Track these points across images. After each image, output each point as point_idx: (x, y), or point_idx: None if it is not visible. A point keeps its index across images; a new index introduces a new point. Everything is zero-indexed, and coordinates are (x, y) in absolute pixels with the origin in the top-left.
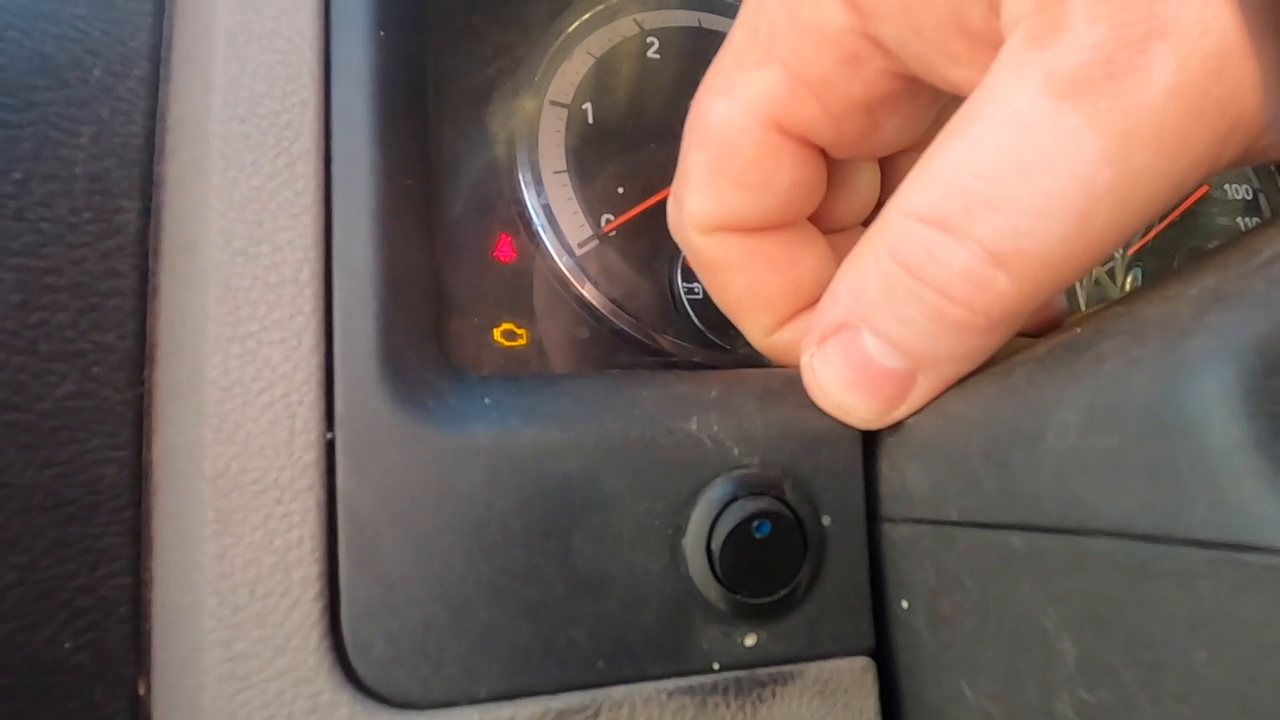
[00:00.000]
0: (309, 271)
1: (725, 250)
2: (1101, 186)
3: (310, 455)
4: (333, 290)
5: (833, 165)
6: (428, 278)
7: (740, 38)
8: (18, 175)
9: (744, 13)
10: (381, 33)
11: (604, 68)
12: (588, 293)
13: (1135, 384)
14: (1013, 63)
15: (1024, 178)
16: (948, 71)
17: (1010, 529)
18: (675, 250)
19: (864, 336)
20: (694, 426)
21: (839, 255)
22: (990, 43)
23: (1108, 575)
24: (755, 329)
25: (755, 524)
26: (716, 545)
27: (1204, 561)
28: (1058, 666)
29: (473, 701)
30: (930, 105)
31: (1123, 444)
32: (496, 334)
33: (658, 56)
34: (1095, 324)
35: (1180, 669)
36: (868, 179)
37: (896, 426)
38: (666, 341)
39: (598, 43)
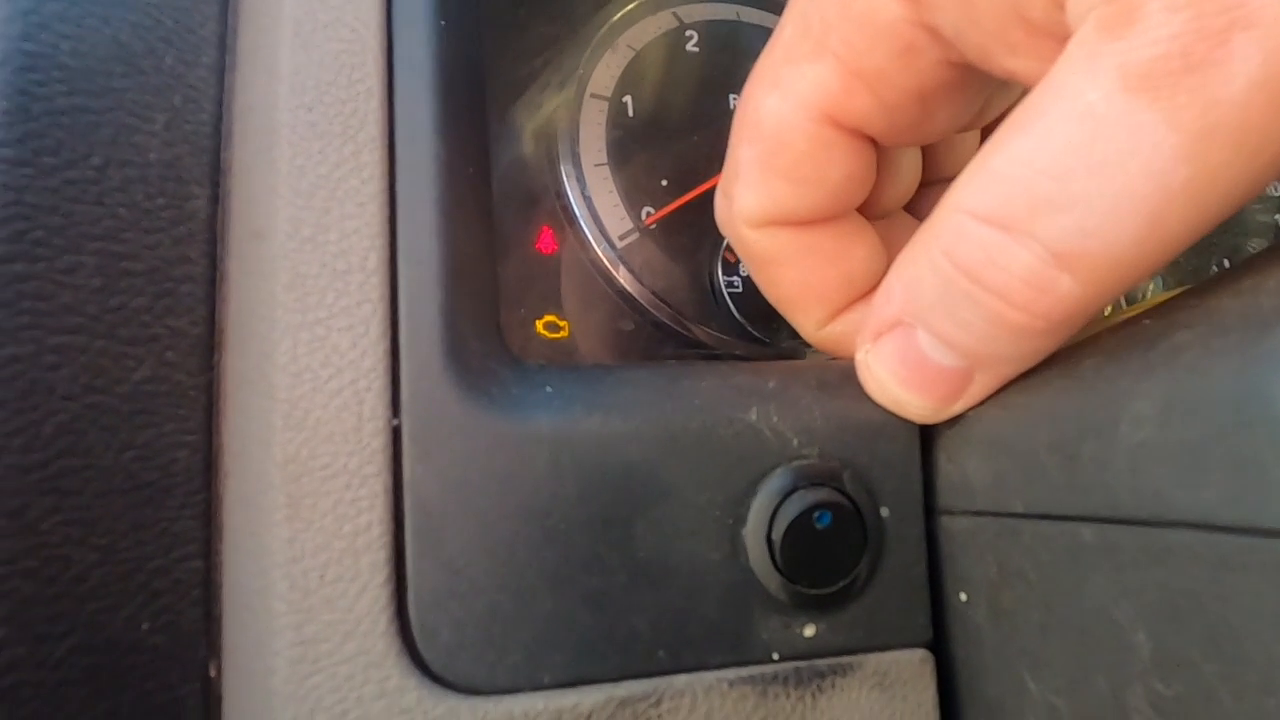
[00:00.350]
0: (375, 259)
1: (776, 244)
2: (1176, 185)
3: (377, 442)
4: (398, 278)
5: (877, 152)
6: (488, 267)
7: (791, 30)
8: (97, 161)
9: (794, 5)
10: (443, 22)
11: (643, 61)
12: (629, 285)
13: (1216, 376)
14: (1083, 55)
15: (1094, 175)
16: (1005, 61)
17: (1080, 521)
18: (716, 243)
19: (919, 334)
20: (754, 417)
21: (884, 242)
22: (1051, 34)
23: (1187, 568)
24: (808, 322)
25: (816, 515)
26: (777, 536)
27: None
28: (1131, 660)
29: (536, 688)
30: (982, 91)
31: (1204, 436)
32: (539, 326)
33: (697, 50)
34: (1165, 315)
35: (1264, 662)
36: (910, 163)
37: (955, 419)
38: (707, 334)
39: (637, 35)
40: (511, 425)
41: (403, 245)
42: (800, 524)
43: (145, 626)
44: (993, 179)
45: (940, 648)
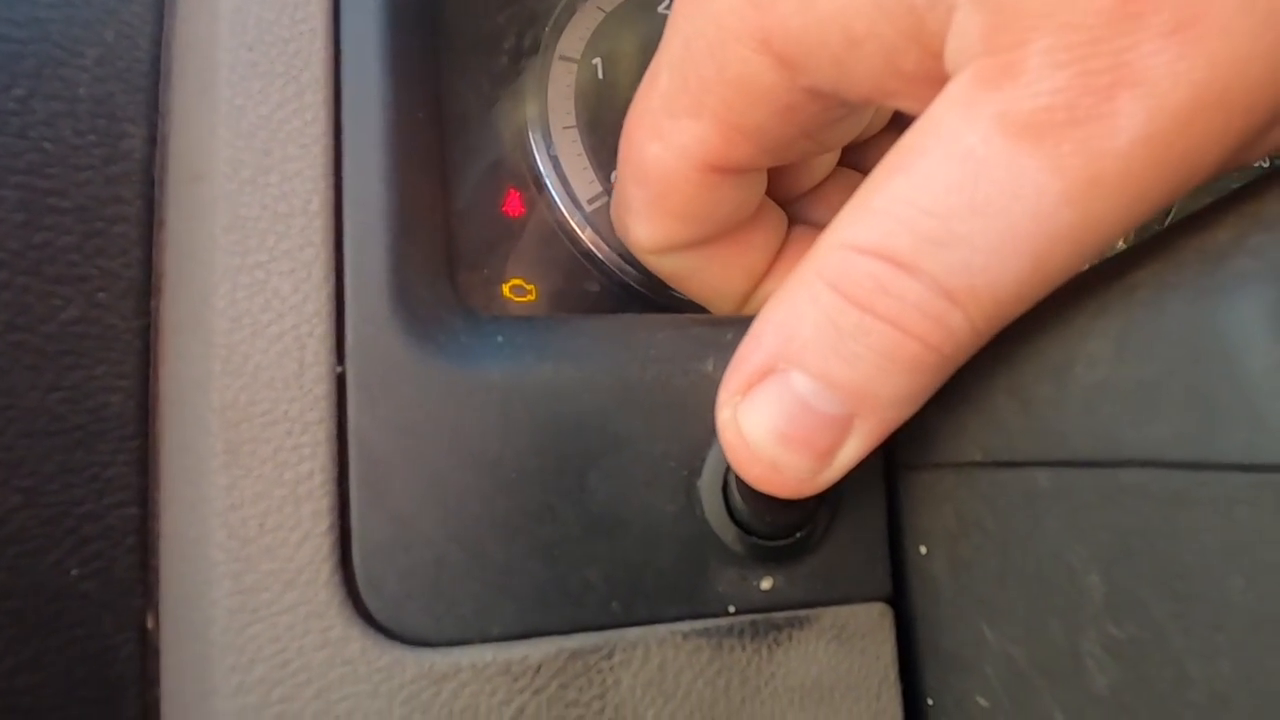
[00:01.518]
0: (319, 202)
1: (677, 264)
2: (1061, 228)
3: (321, 388)
4: (343, 222)
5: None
6: (439, 214)
7: (668, 81)
8: (20, 92)
9: (669, 55)
10: None
11: (614, 23)
12: (597, 248)
13: (1170, 310)
14: (960, 101)
15: (977, 215)
16: (885, 103)
17: (1036, 466)
18: None
19: (795, 378)
20: (710, 368)
21: (806, 218)
22: (927, 80)
23: (1140, 506)
24: (724, 309)
25: None
26: (733, 487)
27: (1243, 486)
28: (1084, 603)
29: (486, 640)
30: (870, 113)
31: (1157, 372)
32: (505, 289)
33: (669, 12)
34: (1122, 255)
35: (1215, 598)
36: (823, 159)
37: None
38: (674, 298)
39: None
40: (461, 373)
41: (348, 188)
42: None
43: (74, 573)
44: (875, 216)
45: (900, 601)
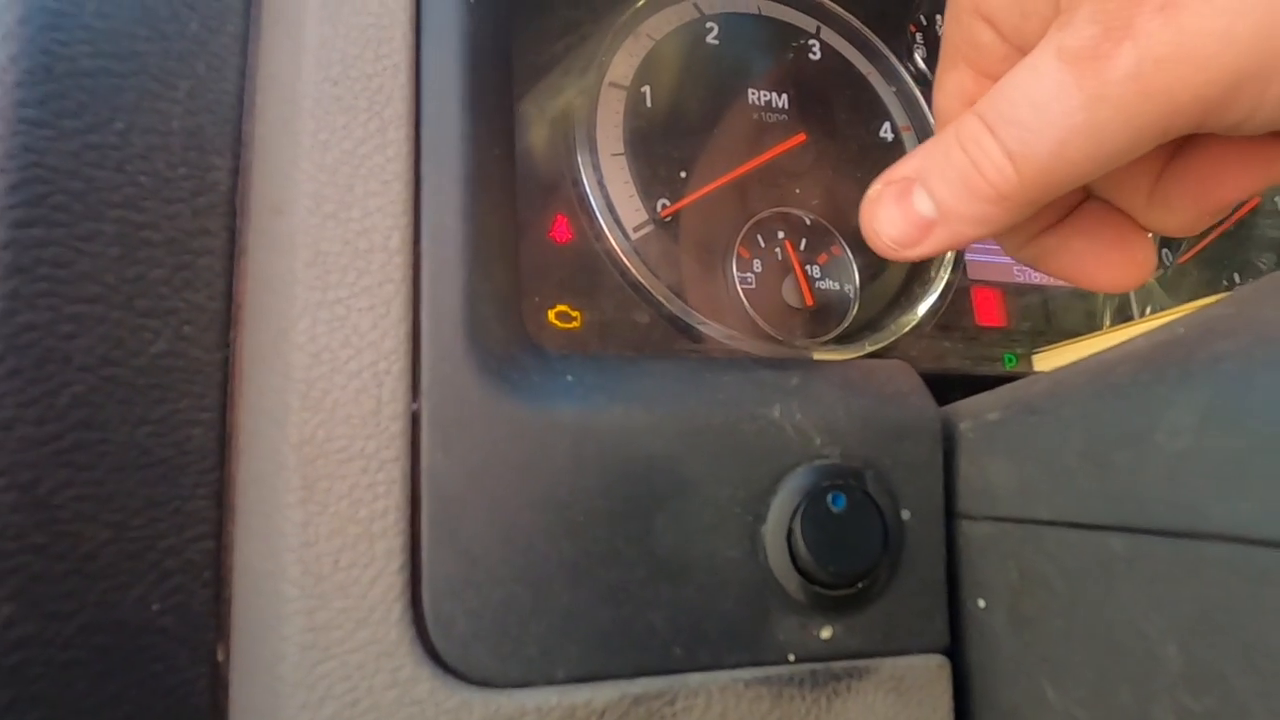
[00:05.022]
0: (398, 238)
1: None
2: (1076, 123)
3: (396, 425)
4: (421, 259)
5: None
6: (512, 250)
7: (942, 51)
8: (120, 125)
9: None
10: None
11: (663, 51)
12: (642, 277)
13: (1260, 385)
14: (1045, 38)
15: (1031, 108)
16: None
17: (1110, 530)
18: (730, 238)
19: (916, 188)
20: (776, 414)
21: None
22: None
23: (1223, 580)
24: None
25: (830, 496)
26: (797, 535)
27: None
28: (1159, 672)
29: (550, 683)
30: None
31: (1244, 447)
32: (551, 315)
33: (716, 42)
34: (1202, 324)
35: None
36: None
37: (979, 423)
38: (720, 330)
39: (658, 25)
40: (533, 413)
41: (427, 225)
42: (820, 523)
43: (155, 607)
44: (990, 99)
45: (956, 653)
